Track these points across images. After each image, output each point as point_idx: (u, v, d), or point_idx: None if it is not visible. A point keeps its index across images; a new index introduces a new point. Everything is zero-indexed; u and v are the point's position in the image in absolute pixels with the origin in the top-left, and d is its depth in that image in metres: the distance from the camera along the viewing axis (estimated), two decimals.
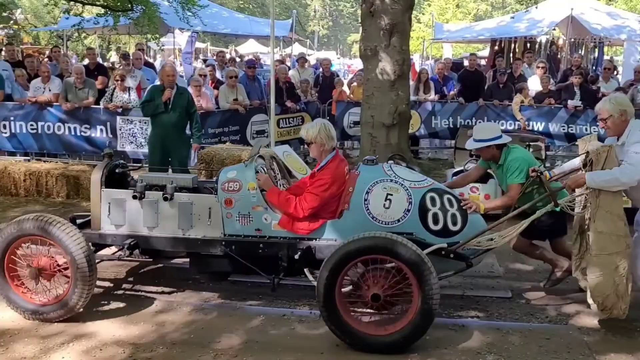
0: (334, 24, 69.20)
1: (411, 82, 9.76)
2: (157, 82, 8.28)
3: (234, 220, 4.37)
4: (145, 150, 8.41)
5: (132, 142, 8.51)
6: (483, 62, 17.07)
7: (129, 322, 4.26)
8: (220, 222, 4.41)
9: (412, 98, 9.61)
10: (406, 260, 3.78)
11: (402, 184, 4.24)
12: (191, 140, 6.99)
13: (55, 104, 8.46)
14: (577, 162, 4.58)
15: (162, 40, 16.19)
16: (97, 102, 8.53)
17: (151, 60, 12.23)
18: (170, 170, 6.42)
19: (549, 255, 4.93)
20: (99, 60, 13.77)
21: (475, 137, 4.81)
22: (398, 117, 8.26)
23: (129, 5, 11.41)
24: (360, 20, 8.74)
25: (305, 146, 5.00)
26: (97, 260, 4.48)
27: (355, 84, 11.12)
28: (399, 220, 4.17)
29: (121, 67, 9.52)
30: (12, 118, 8.47)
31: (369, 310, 4.00)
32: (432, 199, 4.23)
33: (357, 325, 3.93)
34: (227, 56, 14.96)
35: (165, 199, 4.45)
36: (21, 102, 8.60)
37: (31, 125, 8.47)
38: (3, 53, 10.22)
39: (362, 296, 3.91)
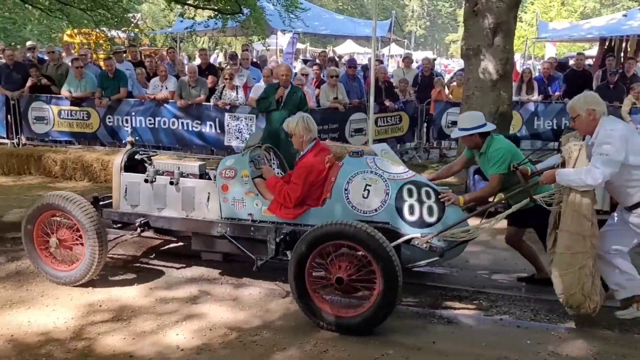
0: (431, 24, 68.16)
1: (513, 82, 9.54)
2: (261, 81, 8.72)
3: (229, 204, 4.78)
4: None
5: (237, 138, 8.94)
6: (589, 61, 16.26)
7: (236, 307, 4.53)
8: (218, 206, 4.82)
9: (514, 98, 9.39)
10: (369, 248, 3.96)
11: (381, 176, 4.47)
12: None
13: (171, 101, 9.06)
14: (559, 158, 4.44)
15: (266, 41, 16.77)
16: (207, 100, 9.04)
17: (256, 60, 12.72)
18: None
19: (535, 256, 4.97)
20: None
21: (460, 125, 4.88)
22: (499, 118, 8.11)
23: (239, 9, 11.96)
24: (463, 20, 8.66)
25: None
26: (115, 237, 5.19)
27: (455, 83, 11.02)
28: (376, 210, 4.42)
29: (230, 67, 10.00)
30: (133, 113, 9.17)
31: (336, 292, 4.18)
32: (410, 191, 4.41)
33: (323, 306, 4.16)
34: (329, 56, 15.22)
35: (171, 183, 4.92)
36: (141, 99, 9.28)
37: (149, 120, 9.13)
38: (126, 54, 11.02)
39: (328, 279, 4.12)
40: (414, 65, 13.41)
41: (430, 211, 4.39)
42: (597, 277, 4.03)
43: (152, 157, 5.46)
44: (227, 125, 8.94)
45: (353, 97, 9.59)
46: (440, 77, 11.65)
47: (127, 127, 9.04)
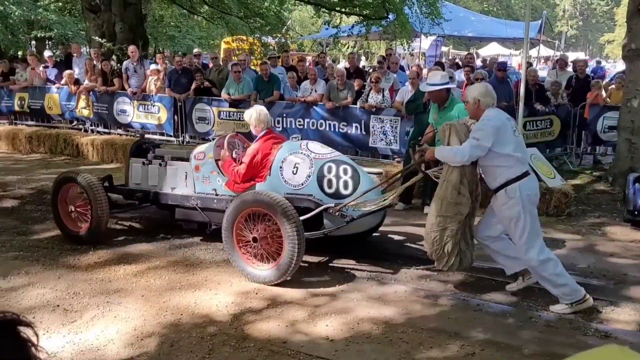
0: (584, 24, 63.61)
1: None
2: (407, 85, 8.76)
3: (200, 181, 5.83)
4: (394, 147, 8.96)
5: (382, 140, 9.08)
6: None
7: (382, 303, 4.63)
8: (192, 183, 5.89)
9: None
10: (277, 214, 4.82)
11: (307, 155, 5.36)
12: None
13: (319, 103, 9.43)
14: None
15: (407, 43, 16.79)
16: (354, 102, 9.27)
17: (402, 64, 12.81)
18: None
19: None
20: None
21: (429, 81, 5.86)
22: None
23: (385, 14, 12.13)
24: (626, 19, 8.07)
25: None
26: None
27: (613, 86, 10.29)
28: (302, 184, 5.31)
29: (377, 70, 10.16)
30: (284, 115, 9.67)
31: (254, 248, 5.04)
32: (329, 168, 5.29)
33: (247, 261, 5.08)
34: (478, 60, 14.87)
35: (160, 164, 6.15)
36: (292, 101, 9.76)
37: (299, 121, 9.57)
38: (279, 59, 11.62)
39: (247, 238, 5.04)
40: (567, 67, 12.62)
41: (345, 185, 5.25)
42: (460, 240, 4.66)
43: (155, 146, 6.69)
44: (372, 127, 9.11)
45: (501, 100, 9.28)
46: (599, 80, 10.92)
47: (279, 127, 9.54)
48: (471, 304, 4.67)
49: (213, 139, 6.49)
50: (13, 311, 0.88)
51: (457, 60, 15.02)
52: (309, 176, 5.28)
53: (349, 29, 14.86)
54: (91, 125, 11.79)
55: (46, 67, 12.47)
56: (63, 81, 11.70)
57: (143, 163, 6.31)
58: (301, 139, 7.63)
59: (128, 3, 12.14)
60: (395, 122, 8.90)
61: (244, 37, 16.27)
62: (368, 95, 9.13)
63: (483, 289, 4.95)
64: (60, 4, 26.11)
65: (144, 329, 4.20)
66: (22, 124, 12.35)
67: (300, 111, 9.57)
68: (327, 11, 14.47)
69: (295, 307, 4.60)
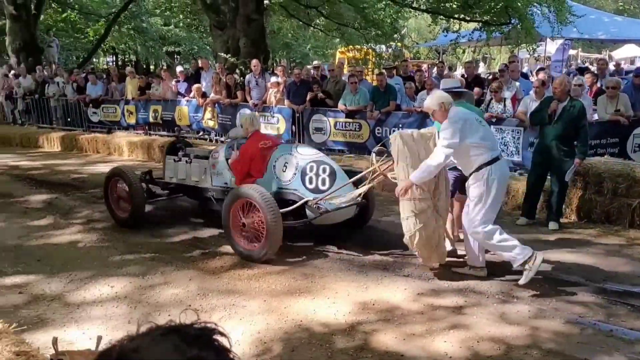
0: None
1: None
2: (531, 93, 8.41)
3: (215, 176, 6.92)
4: (516, 158, 8.63)
5: (503, 151, 8.75)
6: None
7: (503, 322, 4.49)
8: (210, 177, 6.97)
9: None
10: (260, 204, 5.65)
11: (295, 156, 6.28)
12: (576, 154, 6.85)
13: None
14: None
15: (531, 48, 16.09)
16: None
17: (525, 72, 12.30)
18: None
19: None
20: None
21: (442, 87, 6.26)
22: None
23: (508, 20, 11.74)
24: None
25: None
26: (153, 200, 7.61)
27: None
28: (289, 180, 6.22)
29: (498, 79, 9.86)
30: (400, 125, 9.65)
31: (244, 233, 5.96)
32: (311, 167, 6.17)
33: (238, 240, 5.99)
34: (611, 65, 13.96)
35: (187, 162, 7.27)
36: (408, 112, 9.73)
37: None
38: (396, 69, 11.64)
39: (239, 224, 5.92)
40: None
41: (323, 182, 6.12)
42: (441, 234, 5.39)
43: (187, 146, 7.97)
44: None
45: (639, 109, 8.64)
46: None
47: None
48: (603, 329, 4.40)
49: (228, 141, 7.83)
50: (211, 321, 0.95)
51: (587, 64, 14.18)
52: (295, 174, 6.25)
53: (469, 34, 14.54)
54: (215, 135, 12.48)
55: (177, 81, 13.38)
56: (192, 94, 12.51)
57: (174, 160, 7.50)
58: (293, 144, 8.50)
59: (251, 19, 12.75)
60: (518, 132, 8.58)
61: (359, 47, 16.46)
62: (488, 105, 8.88)
63: (615, 313, 4.65)
64: (189, 20, 27.96)
65: (267, 333, 4.39)
66: (155, 134, 13.33)
67: (417, 121, 9.50)
68: (444, 18, 14.28)
69: (412, 320, 4.58)
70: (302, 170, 6.17)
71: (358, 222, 6.80)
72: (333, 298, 5.02)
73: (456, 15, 13.40)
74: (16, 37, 19.17)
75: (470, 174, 5.14)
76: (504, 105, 8.76)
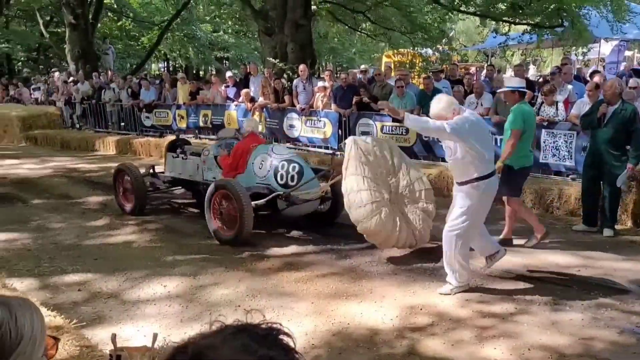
0: None
1: None
2: (585, 97, 8.21)
3: (205, 171, 7.80)
4: (568, 163, 8.44)
5: (554, 155, 8.61)
6: None
7: (555, 330, 4.41)
8: (201, 172, 7.85)
9: None
10: (234, 195, 6.43)
11: (270, 155, 7.13)
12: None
13: (485, 117, 9.17)
14: None
15: (584, 50, 15.68)
16: None
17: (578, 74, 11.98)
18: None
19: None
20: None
21: (506, 84, 6.50)
22: None
23: (559, 21, 11.48)
24: None
25: None
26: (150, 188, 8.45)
27: None
28: (265, 176, 7.08)
29: (550, 82, 9.66)
30: None
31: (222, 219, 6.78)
32: (282, 165, 6.97)
33: (218, 228, 6.78)
34: None
35: (183, 158, 8.18)
36: None
37: None
38: (443, 72, 11.55)
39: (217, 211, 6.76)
40: None
41: (292, 178, 6.90)
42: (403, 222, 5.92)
43: (185, 144, 8.94)
44: (544, 142, 8.67)
45: None
46: None
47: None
48: None
49: (217, 140, 8.78)
50: (276, 322, 0.99)
51: None
52: (269, 170, 7.06)
53: (519, 36, 14.28)
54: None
55: (227, 86, 13.65)
56: (240, 99, 12.73)
57: (172, 157, 8.45)
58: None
59: (299, 25, 12.90)
60: (570, 137, 8.39)
61: (405, 51, 16.40)
62: (539, 108, 8.71)
63: None
64: (237, 26, 28.48)
65: (315, 335, 4.43)
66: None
67: None
68: (493, 20, 14.09)
69: (461, 326, 4.55)
70: (275, 167, 7.03)
71: (329, 216, 7.48)
72: (380, 302, 5.03)
73: (505, 18, 13.17)
74: (75, 45, 19.94)
75: (465, 182, 5.04)
76: (556, 109, 8.57)
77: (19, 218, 8.11)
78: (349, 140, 6.03)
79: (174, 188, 8.73)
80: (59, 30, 28.02)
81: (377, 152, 6.07)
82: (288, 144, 12.11)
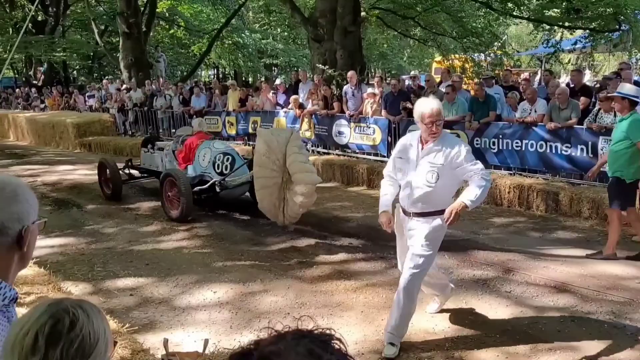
0: None
1: None
2: None
3: (167, 163, 9.43)
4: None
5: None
6: None
7: (615, 344, 4.24)
8: (164, 164, 9.49)
9: None
10: (177, 182, 7.96)
11: (210, 148, 8.78)
12: None
13: (539, 124, 8.94)
14: None
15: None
16: (580, 122, 8.61)
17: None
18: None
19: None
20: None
21: (620, 90, 6.19)
22: None
23: (616, 26, 11.09)
24: None
25: None
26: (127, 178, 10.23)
27: None
28: (206, 167, 8.61)
29: (607, 88, 9.32)
30: (500, 136, 9.34)
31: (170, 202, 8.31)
32: (219, 157, 8.61)
33: (168, 208, 8.34)
34: None
35: (152, 152, 9.98)
36: (509, 122, 9.41)
37: (516, 143, 9.15)
38: (496, 79, 11.30)
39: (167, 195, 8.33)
40: None
41: (226, 168, 8.48)
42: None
43: (157, 140, 10.68)
44: (601, 150, 8.35)
45: None
46: None
47: (494, 149, 9.27)
48: None
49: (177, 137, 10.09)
50: (328, 327, 1.00)
51: None
52: (209, 162, 8.65)
53: (575, 41, 13.88)
54: (312, 146, 12.68)
55: (275, 93, 13.75)
56: (290, 106, 12.80)
57: (144, 151, 10.27)
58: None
59: (348, 31, 12.89)
60: None
61: (456, 56, 16.17)
62: (597, 115, 8.40)
63: None
64: (286, 33, 28.76)
65: (364, 344, 4.40)
66: (254, 144, 13.72)
67: (519, 132, 9.16)
68: (547, 25, 13.73)
69: (515, 337, 4.43)
70: (213, 159, 8.64)
71: (253, 198, 8.07)
72: (431, 312, 4.95)
73: (560, 23, 12.82)
74: (128, 53, 20.52)
75: (439, 212, 4.17)
76: (614, 116, 8.25)
77: (73, 223, 8.36)
78: (257, 134, 7.69)
79: (147, 179, 10.28)
80: (112, 39, 28.97)
81: (277, 141, 7.18)
82: (337, 151, 12.12)
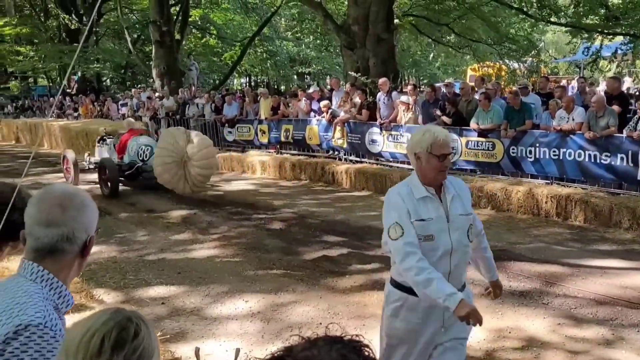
0: None
1: None
2: None
3: (111, 155, 11.93)
4: None
5: None
6: None
7: None
8: (109, 156, 11.91)
9: None
10: (107, 168, 10.91)
11: (137, 142, 11.28)
12: None
13: (578, 132, 8.71)
14: None
15: None
16: (619, 130, 8.36)
17: None
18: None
19: None
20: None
21: None
22: None
23: None
24: None
25: None
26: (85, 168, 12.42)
27: None
28: (133, 156, 11.17)
29: None
30: (537, 144, 9.11)
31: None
32: (142, 148, 11.06)
33: (103, 187, 11.09)
34: None
35: (101, 147, 12.60)
36: (546, 130, 9.19)
37: (554, 151, 8.92)
38: (533, 87, 11.05)
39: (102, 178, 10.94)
40: None
41: (146, 156, 10.92)
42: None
43: (108, 137, 12.68)
44: None
45: None
46: None
47: (530, 157, 9.05)
48: None
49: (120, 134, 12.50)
50: (355, 333, 1.02)
51: None
52: (135, 152, 11.13)
53: (618, 47, 13.52)
54: (345, 155, 12.61)
55: (309, 100, 13.72)
56: (322, 114, 12.76)
57: (96, 145, 12.80)
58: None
59: (381, 39, 12.82)
60: None
61: (491, 63, 15.94)
62: (637, 124, 8.15)
63: None
64: (319, 41, 28.84)
65: None
66: (286, 153, 13.76)
67: (556, 141, 8.93)
68: (586, 32, 13.42)
69: (553, 351, 4.32)
70: (138, 150, 11.12)
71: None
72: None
73: (599, 30, 12.50)
74: (161, 62, 20.83)
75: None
76: None
77: (106, 231, 8.43)
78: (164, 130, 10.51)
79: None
80: (145, 47, 29.47)
81: (177, 132, 10.15)
82: (370, 159, 12.02)
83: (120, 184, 11.06)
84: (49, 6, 32.23)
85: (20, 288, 1.57)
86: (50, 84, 36.23)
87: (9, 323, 1.48)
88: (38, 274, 1.60)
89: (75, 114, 22.93)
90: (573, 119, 8.90)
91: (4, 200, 1.86)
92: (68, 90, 28.05)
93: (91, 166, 12.28)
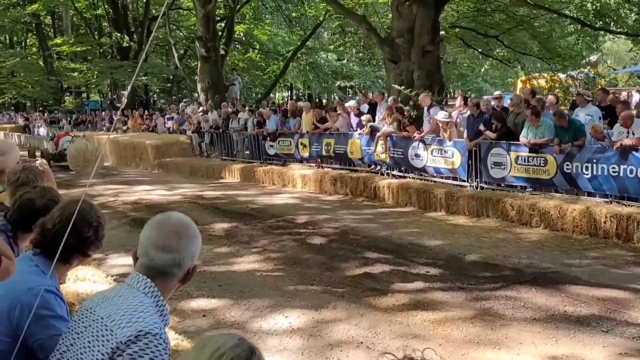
0: None
1: None
2: None
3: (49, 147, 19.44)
4: None
5: None
6: None
7: None
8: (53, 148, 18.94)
9: None
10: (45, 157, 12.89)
11: (67, 140, 18.02)
12: None
13: (639, 147, 8.22)
14: None
15: None
16: None
17: None
18: None
19: None
20: None
21: None
22: None
23: None
24: None
25: None
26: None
27: None
28: (65, 148, 16.47)
29: None
30: (594, 160, 8.63)
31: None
32: (65, 143, 17.65)
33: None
34: None
35: (69, 142, 16.81)
36: (602, 145, 8.72)
37: (613, 168, 8.42)
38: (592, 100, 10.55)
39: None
40: None
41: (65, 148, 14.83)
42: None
43: (75, 136, 18.78)
44: None
45: None
46: None
47: (587, 174, 8.59)
48: None
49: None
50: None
51: None
52: (61, 146, 17.39)
53: None
54: (387, 169, 12.35)
55: (350, 114, 13.54)
56: (364, 129, 12.54)
57: (68, 142, 16.07)
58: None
59: (426, 51, 12.58)
60: None
61: (542, 75, 15.43)
62: None
63: None
64: (361, 54, 28.76)
65: None
66: (327, 167, 13.59)
67: (615, 157, 8.43)
68: None
69: None
70: (64, 144, 15.98)
71: None
72: (517, 349, 4.58)
73: None
74: (205, 77, 21.11)
75: None
76: None
77: None
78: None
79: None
80: (191, 62, 30.01)
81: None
82: (413, 174, 11.73)
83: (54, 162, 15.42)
84: (103, 24, 33.40)
85: (136, 297, 1.73)
86: (102, 99, 37.37)
87: (130, 327, 1.63)
88: (150, 289, 1.76)
89: (124, 127, 23.45)
90: (633, 133, 8.41)
91: (85, 218, 2.16)
92: (118, 105, 28.87)
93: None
